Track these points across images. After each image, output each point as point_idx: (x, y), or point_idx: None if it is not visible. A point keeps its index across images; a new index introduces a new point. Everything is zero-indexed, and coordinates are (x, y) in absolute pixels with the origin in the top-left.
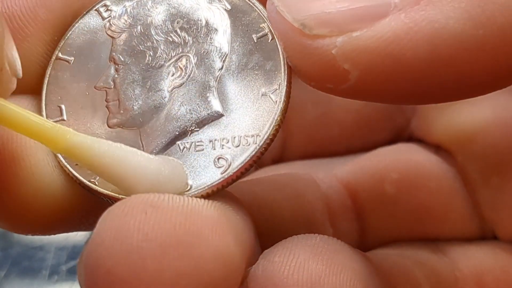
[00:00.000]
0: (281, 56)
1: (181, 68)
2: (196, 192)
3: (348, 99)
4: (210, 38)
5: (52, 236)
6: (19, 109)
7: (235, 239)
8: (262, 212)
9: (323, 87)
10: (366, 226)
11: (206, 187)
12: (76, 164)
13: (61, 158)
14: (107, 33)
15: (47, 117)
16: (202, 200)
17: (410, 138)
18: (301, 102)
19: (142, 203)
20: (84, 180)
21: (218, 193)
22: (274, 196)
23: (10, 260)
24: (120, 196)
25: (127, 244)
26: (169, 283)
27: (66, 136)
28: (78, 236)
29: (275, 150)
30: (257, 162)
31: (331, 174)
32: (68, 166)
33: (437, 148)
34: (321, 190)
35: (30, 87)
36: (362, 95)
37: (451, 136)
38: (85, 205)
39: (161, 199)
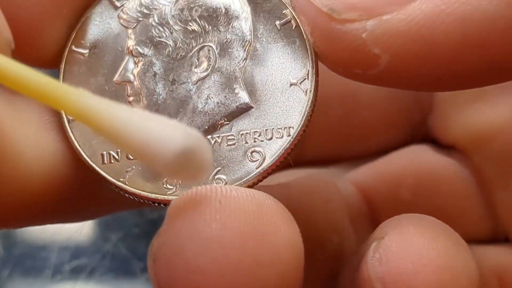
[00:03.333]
0: (307, 44)
1: (204, 59)
2: None
3: (374, 97)
4: (232, 26)
5: (55, 235)
6: (23, 67)
7: (298, 230)
8: (297, 216)
9: (351, 73)
10: None
11: (242, 182)
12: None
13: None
14: (121, 24)
15: (65, 115)
16: (262, 192)
17: (425, 136)
18: (326, 101)
19: (214, 193)
20: (115, 181)
21: (253, 187)
22: (307, 201)
23: (13, 260)
24: (153, 195)
25: (206, 233)
26: (249, 273)
27: (78, 97)
28: (81, 236)
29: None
30: (291, 154)
31: (346, 178)
32: (95, 167)
33: (450, 149)
34: (343, 196)
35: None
36: (391, 81)
37: (469, 136)
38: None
39: (229, 189)
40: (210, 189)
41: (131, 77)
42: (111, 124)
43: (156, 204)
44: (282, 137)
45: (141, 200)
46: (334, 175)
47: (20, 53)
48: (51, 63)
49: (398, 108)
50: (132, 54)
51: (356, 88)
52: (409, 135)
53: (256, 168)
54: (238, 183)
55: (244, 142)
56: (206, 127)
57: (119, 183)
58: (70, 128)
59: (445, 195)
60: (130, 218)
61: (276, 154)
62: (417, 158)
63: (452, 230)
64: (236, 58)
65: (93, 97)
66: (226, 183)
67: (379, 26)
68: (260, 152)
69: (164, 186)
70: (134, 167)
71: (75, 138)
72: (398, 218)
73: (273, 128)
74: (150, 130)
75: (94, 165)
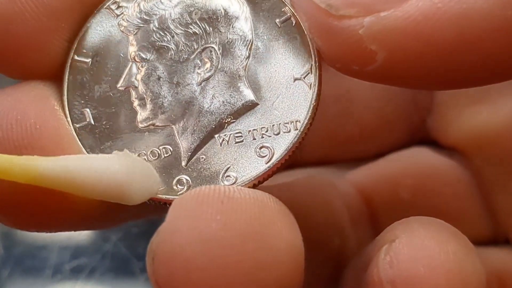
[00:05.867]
0: (308, 38)
1: (207, 60)
2: (242, 184)
3: (369, 96)
4: (232, 26)
5: (56, 235)
6: None
7: (300, 233)
8: (298, 217)
9: (349, 69)
10: (380, 232)
11: (253, 179)
12: None
13: None
14: (122, 31)
15: (72, 123)
16: (266, 193)
17: (425, 138)
18: (322, 98)
19: (216, 193)
20: None
21: (263, 183)
22: (309, 202)
23: (13, 259)
24: (164, 197)
25: (206, 233)
26: (248, 274)
27: (36, 163)
28: (81, 236)
29: None
30: (299, 148)
31: (346, 179)
32: None
33: (451, 151)
34: (343, 196)
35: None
36: (388, 77)
37: (469, 138)
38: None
39: (232, 190)
40: (213, 189)
41: (135, 82)
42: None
43: (168, 205)
44: (289, 131)
45: (153, 202)
46: (333, 175)
47: (22, 68)
48: (53, 75)
49: (395, 108)
50: (135, 60)
51: (349, 86)
52: (408, 137)
53: (266, 163)
54: (248, 178)
55: (252, 139)
56: (213, 126)
57: None
58: (77, 134)
59: (445, 196)
60: None
61: (285, 149)
62: (417, 159)
63: (460, 233)
64: (239, 57)
65: (48, 160)
66: (236, 180)
67: (376, 23)
68: (269, 147)
69: (175, 187)
70: None
71: (82, 145)
72: (408, 221)
73: (280, 123)
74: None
75: None
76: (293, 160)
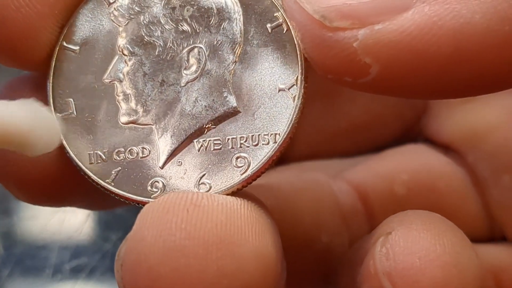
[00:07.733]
0: (297, 49)
1: (193, 61)
2: (215, 193)
3: (355, 92)
4: (223, 27)
5: (55, 235)
6: None
7: (272, 240)
8: (285, 216)
9: (341, 81)
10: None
11: (226, 188)
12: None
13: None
14: (112, 21)
15: (55, 111)
16: (238, 199)
17: (419, 136)
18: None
19: (183, 201)
20: (101, 182)
21: (237, 193)
22: (296, 201)
23: (13, 259)
24: (139, 198)
25: (170, 242)
26: (211, 283)
27: None
28: (81, 236)
29: None
30: (276, 161)
31: (341, 177)
32: (82, 166)
33: (446, 148)
34: (335, 194)
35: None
36: (381, 89)
37: (462, 135)
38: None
39: (200, 197)
40: (180, 197)
41: (121, 76)
42: None
43: (139, 205)
44: (268, 143)
45: (127, 202)
46: (327, 172)
47: (16, 55)
48: (46, 62)
49: (384, 105)
50: (123, 53)
51: None
52: (401, 133)
53: (241, 174)
54: (222, 188)
55: (230, 147)
56: (193, 131)
57: (105, 184)
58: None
59: (440, 192)
60: (130, 218)
61: (261, 161)
62: (412, 154)
63: (456, 227)
64: (225, 61)
65: None
66: (210, 188)
67: (371, 36)
68: (246, 158)
69: (149, 189)
70: (120, 168)
71: (64, 136)
72: (404, 214)
73: (259, 134)
74: None
75: (81, 165)
76: (281, 159)
